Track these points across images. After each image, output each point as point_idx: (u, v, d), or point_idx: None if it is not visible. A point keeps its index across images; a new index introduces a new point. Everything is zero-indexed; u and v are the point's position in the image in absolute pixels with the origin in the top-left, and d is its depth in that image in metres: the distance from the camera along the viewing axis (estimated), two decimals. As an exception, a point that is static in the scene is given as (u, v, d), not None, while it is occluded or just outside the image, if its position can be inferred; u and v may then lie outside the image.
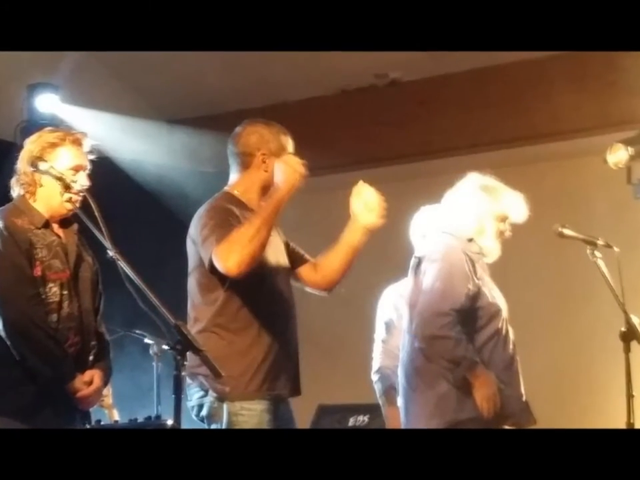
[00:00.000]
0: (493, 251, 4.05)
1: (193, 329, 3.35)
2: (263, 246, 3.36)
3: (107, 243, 3.13)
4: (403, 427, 4.06)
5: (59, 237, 3.52)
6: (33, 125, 5.55)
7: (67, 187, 3.43)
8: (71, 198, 3.46)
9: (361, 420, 5.38)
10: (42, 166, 3.45)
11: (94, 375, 3.48)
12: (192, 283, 3.55)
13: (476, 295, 3.89)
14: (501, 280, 4.10)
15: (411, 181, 6.83)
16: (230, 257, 3.30)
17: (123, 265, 3.08)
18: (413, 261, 4.10)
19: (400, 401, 4.12)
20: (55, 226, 3.53)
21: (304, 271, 3.72)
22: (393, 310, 4.71)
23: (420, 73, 6.51)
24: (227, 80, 6.54)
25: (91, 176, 3.55)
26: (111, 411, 5.51)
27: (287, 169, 3.42)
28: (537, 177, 6.63)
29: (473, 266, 3.92)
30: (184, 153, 6.72)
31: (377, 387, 4.73)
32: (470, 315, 3.88)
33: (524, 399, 3.95)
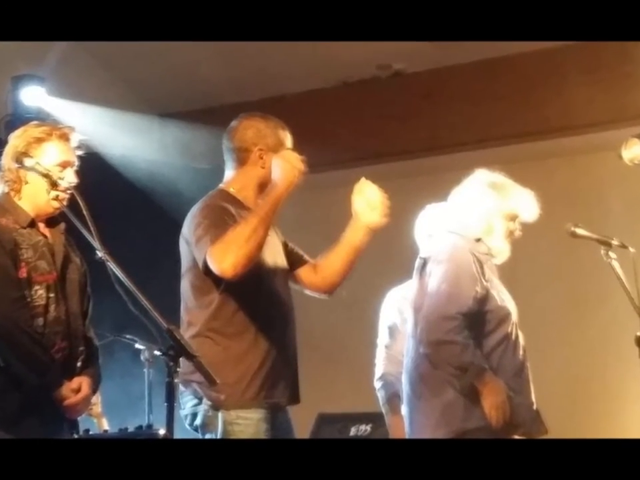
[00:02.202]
0: (501, 251, 4.06)
1: (186, 333, 3.35)
2: (260, 246, 3.36)
3: (95, 243, 3.13)
4: (407, 436, 4.07)
5: (45, 236, 3.51)
6: (17, 118, 5.56)
7: (54, 184, 3.43)
8: (57, 196, 3.45)
9: (363, 429, 5.38)
10: (27, 162, 3.44)
11: (82, 382, 3.47)
12: (185, 285, 3.54)
13: (484, 298, 3.89)
14: (510, 282, 4.10)
15: (416, 178, 6.84)
16: (225, 258, 3.30)
17: (112, 266, 3.08)
18: (417, 262, 4.10)
19: (404, 410, 4.13)
20: (41, 225, 3.53)
21: (303, 272, 3.72)
22: (397, 314, 4.71)
23: (425, 64, 6.52)
24: (222, 71, 6.55)
25: (79, 172, 3.54)
26: (100, 420, 5.53)
27: (285, 165, 3.42)
28: (548, 173, 6.64)
29: (481, 267, 3.92)
30: (177, 148, 6.72)
31: (380, 395, 4.73)
32: (478, 319, 3.87)
33: (535, 407, 3.95)
